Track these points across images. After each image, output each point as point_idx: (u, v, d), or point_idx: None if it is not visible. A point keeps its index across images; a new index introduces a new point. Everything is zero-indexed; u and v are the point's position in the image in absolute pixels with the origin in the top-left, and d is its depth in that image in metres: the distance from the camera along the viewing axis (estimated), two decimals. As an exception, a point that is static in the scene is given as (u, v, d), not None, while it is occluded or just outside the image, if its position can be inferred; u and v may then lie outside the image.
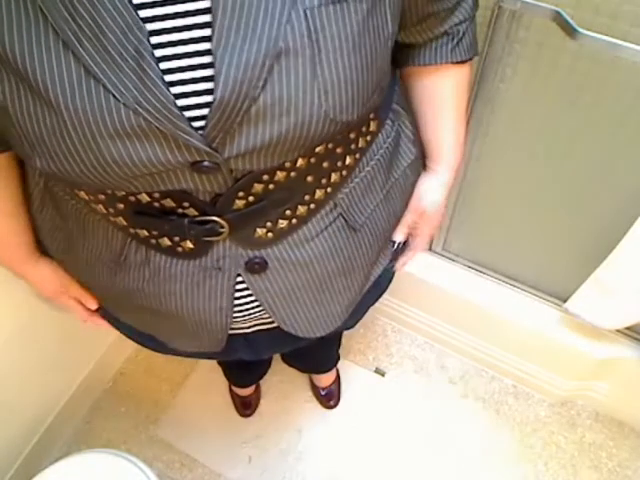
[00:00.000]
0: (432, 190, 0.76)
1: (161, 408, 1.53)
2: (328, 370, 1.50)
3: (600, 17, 0.84)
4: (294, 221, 0.59)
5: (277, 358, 1.62)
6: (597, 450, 1.47)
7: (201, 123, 0.46)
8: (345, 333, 1.65)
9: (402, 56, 0.69)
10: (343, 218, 0.63)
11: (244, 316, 0.69)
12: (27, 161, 0.50)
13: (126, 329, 0.81)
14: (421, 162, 0.77)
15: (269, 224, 0.58)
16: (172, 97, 0.44)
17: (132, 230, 0.58)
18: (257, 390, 1.54)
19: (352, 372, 1.59)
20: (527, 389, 1.57)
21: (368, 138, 0.62)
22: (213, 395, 1.55)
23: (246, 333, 0.76)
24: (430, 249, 1.45)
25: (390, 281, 0.88)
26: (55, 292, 0.81)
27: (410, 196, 0.75)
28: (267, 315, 0.70)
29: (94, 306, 0.81)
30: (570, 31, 0.85)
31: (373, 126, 0.62)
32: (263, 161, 0.50)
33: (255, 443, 1.48)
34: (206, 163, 0.48)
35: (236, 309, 0.66)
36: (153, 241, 0.59)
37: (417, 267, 1.44)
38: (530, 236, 1.27)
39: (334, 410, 1.53)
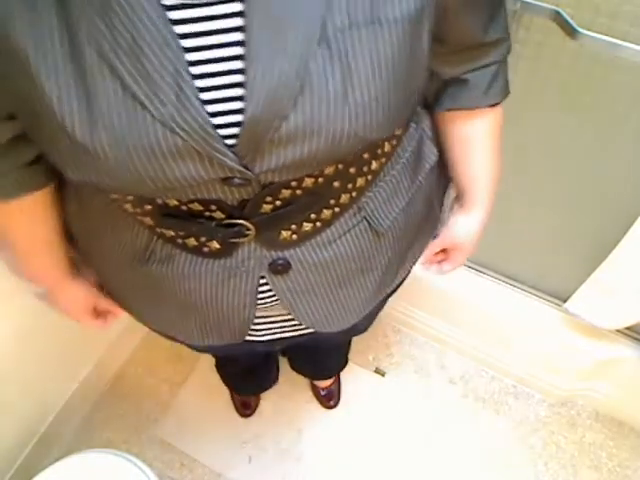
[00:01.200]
0: (467, 226, 0.79)
1: (161, 408, 1.53)
2: (334, 375, 1.50)
3: (600, 17, 0.84)
4: (318, 224, 0.60)
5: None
6: (597, 450, 1.47)
7: (232, 141, 0.46)
8: (345, 333, 1.65)
9: (435, 100, 0.69)
10: (367, 221, 0.64)
11: (265, 310, 0.70)
12: (59, 170, 0.50)
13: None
14: (441, 163, 0.77)
15: (294, 227, 0.59)
16: (208, 117, 0.44)
17: (159, 230, 0.59)
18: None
19: (352, 372, 1.59)
20: (527, 389, 1.57)
21: (394, 142, 0.62)
22: (213, 395, 1.55)
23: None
24: (430, 249, 1.45)
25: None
26: (84, 311, 0.82)
27: (431, 199, 0.76)
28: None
29: (121, 314, 0.83)
30: (570, 31, 0.85)
31: (398, 131, 0.62)
32: (292, 174, 0.50)
33: (255, 443, 1.48)
34: (237, 180, 0.49)
35: (258, 307, 0.68)
36: (180, 241, 0.59)
37: (416, 267, 1.44)
38: (530, 236, 1.27)
39: (334, 410, 1.53)
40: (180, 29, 0.43)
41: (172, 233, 0.59)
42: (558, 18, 0.86)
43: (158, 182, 0.47)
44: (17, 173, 0.59)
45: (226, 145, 0.46)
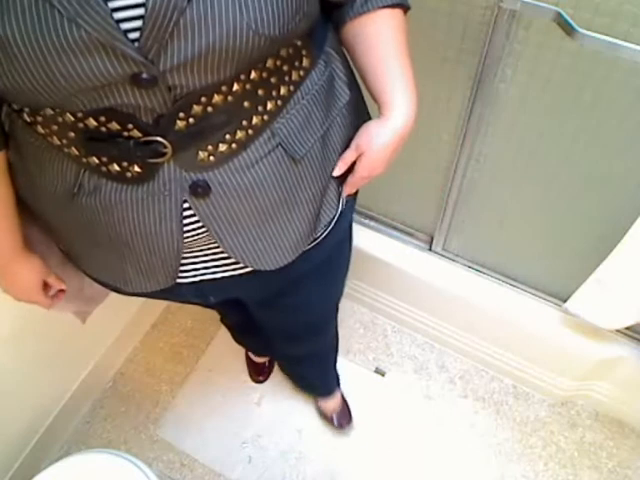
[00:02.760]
0: (379, 133, 0.75)
1: (161, 408, 1.53)
2: (329, 393, 1.47)
3: (600, 17, 0.84)
4: (234, 146, 0.63)
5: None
6: (597, 450, 1.47)
7: (137, 35, 0.51)
8: (345, 333, 1.65)
9: (337, 18, 0.74)
10: (282, 148, 0.67)
11: (194, 244, 0.72)
12: None
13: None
14: (360, 105, 0.80)
15: (210, 147, 0.62)
16: (108, 9, 0.49)
17: (84, 160, 0.62)
18: (272, 358, 1.59)
19: (352, 372, 1.59)
20: (527, 389, 1.57)
21: (301, 73, 0.66)
22: (213, 395, 1.55)
23: (194, 282, 0.80)
24: (430, 249, 1.45)
25: (350, 234, 0.94)
26: (37, 289, 0.84)
27: (350, 135, 0.77)
28: (217, 248, 0.73)
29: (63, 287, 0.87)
30: (570, 31, 0.85)
31: (306, 62, 0.66)
32: (197, 76, 0.54)
33: (255, 443, 1.48)
34: (144, 75, 0.52)
35: (186, 236, 0.69)
36: (104, 168, 0.62)
37: (417, 267, 1.44)
38: (530, 236, 1.27)
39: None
40: None
41: (96, 161, 0.62)
42: (558, 18, 0.86)
43: (71, 80, 0.51)
44: None
45: (127, 37, 0.50)
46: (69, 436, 1.48)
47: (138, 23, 0.50)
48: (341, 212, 0.82)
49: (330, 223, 0.81)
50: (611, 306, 1.16)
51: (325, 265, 0.89)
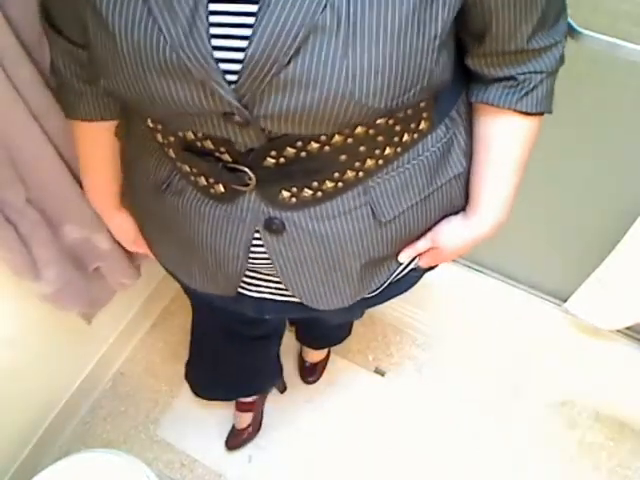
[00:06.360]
0: (459, 234, 0.72)
1: (161, 408, 1.53)
2: (333, 344, 1.51)
3: (600, 17, 0.84)
4: (319, 194, 0.62)
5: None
6: (597, 450, 1.47)
7: (236, 77, 0.50)
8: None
9: (470, 89, 0.67)
10: (370, 208, 0.64)
11: (257, 271, 0.73)
12: (98, 80, 0.57)
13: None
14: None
15: (294, 189, 0.61)
16: (210, 50, 0.48)
17: (178, 164, 0.65)
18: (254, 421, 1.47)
19: (352, 372, 1.59)
20: (527, 389, 1.57)
21: (415, 136, 0.62)
22: (213, 395, 1.55)
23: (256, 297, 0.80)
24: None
25: (412, 285, 0.90)
26: (131, 241, 0.90)
27: (451, 207, 0.73)
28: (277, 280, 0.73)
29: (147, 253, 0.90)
30: (570, 31, 0.85)
31: (424, 125, 0.62)
32: (291, 128, 0.52)
33: (255, 443, 1.48)
34: (237, 117, 0.52)
35: (251, 262, 0.70)
36: (192, 178, 0.64)
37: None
38: (530, 236, 1.27)
39: (334, 410, 1.53)
40: None
41: (187, 169, 0.64)
42: (558, 18, 0.86)
43: (165, 102, 0.52)
44: (101, 100, 0.70)
45: (225, 79, 0.49)
46: (69, 436, 1.48)
47: (238, 66, 0.49)
48: (413, 269, 0.80)
49: (394, 277, 0.79)
50: (611, 306, 1.16)
51: None
